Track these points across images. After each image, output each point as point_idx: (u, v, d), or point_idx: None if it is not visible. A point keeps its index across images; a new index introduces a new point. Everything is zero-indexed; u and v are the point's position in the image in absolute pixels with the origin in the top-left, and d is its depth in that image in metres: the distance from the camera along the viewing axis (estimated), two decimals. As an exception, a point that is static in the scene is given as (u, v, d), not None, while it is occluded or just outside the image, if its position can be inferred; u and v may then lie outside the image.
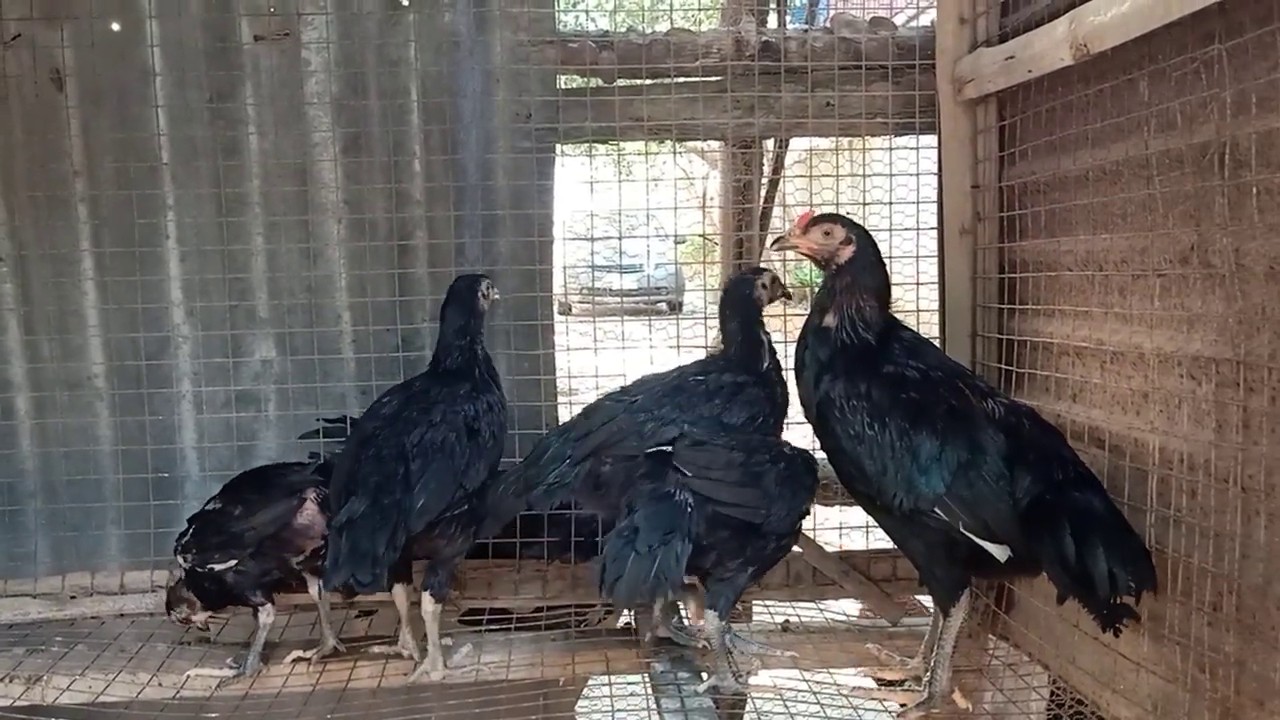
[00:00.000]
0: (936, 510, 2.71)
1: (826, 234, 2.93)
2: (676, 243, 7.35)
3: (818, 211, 3.05)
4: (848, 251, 2.91)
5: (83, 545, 3.82)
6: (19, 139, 3.77)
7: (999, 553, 2.72)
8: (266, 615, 3.35)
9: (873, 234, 3.03)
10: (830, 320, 2.90)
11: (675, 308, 12.94)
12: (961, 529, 2.69)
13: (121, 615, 3.78)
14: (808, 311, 3.03)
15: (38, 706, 3.20)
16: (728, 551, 3.00)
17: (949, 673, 2.93)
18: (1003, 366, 3.41)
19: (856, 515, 4.04)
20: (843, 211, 4.08)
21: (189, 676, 3.29)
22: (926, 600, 3.82)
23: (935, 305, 3.81)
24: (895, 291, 3.89)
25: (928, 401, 2.77)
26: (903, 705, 3.01)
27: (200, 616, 3.45)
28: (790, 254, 3.11)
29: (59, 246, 3.82)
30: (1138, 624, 2.59)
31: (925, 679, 2.99)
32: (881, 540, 3.97)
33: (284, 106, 3.85)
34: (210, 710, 3.16)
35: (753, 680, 3.24)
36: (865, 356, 2.86)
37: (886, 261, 3.03)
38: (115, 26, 3.78)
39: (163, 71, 3.77)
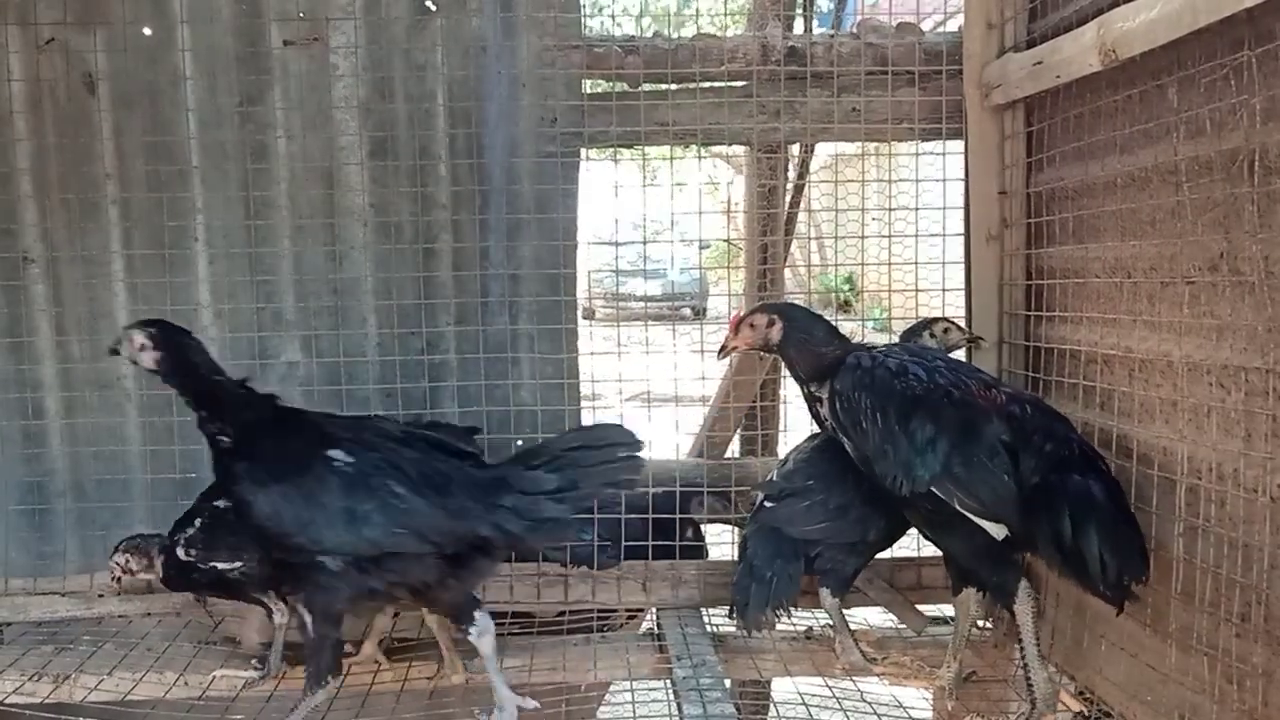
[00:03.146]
0: (934, 489, 2.83)
1: (752, 326, 3.20)
2: (700, 248, 7.35)
3: (742, 312, 3.34)
4: (776, 331, 3.17)
5: (111, 544, 3.84)
6: (52, 142, 3.82)
7: (996, 531, 2.84)
8: (280, 616, 3.36)
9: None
10: (821, 391, 3.09)
11: (699, 313, 12.94)
12: (958, 507, 2.81)
13: (148, 615, 3.80)
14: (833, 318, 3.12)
15: (65, 705, 3.24)
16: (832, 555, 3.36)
17: (1044, 672, 2.99)
18: (1029, 374, 3.39)
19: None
20: (870, 217, 4.10)
21: (215, 676, 3.31)
22: (950, 609, 3.81)
23: (961, 312, 3.79)
24: (922, 298, 3.92)
25: (928, 388, 2.91)
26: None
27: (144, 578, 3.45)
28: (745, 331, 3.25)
29: (90, 248, 3.86)
30: (1134, 604, 2.67)
31: (1027, 696, 3.03)
32: (905, 549, 3.97)
33: (312, 111, 3.88)
34: (235, 711, 3.18)
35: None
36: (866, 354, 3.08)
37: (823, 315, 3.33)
38: (147, 31, 3.82)
39: (194, 76, 3.81)
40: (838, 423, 3.03)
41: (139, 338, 3.05)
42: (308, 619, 2.92)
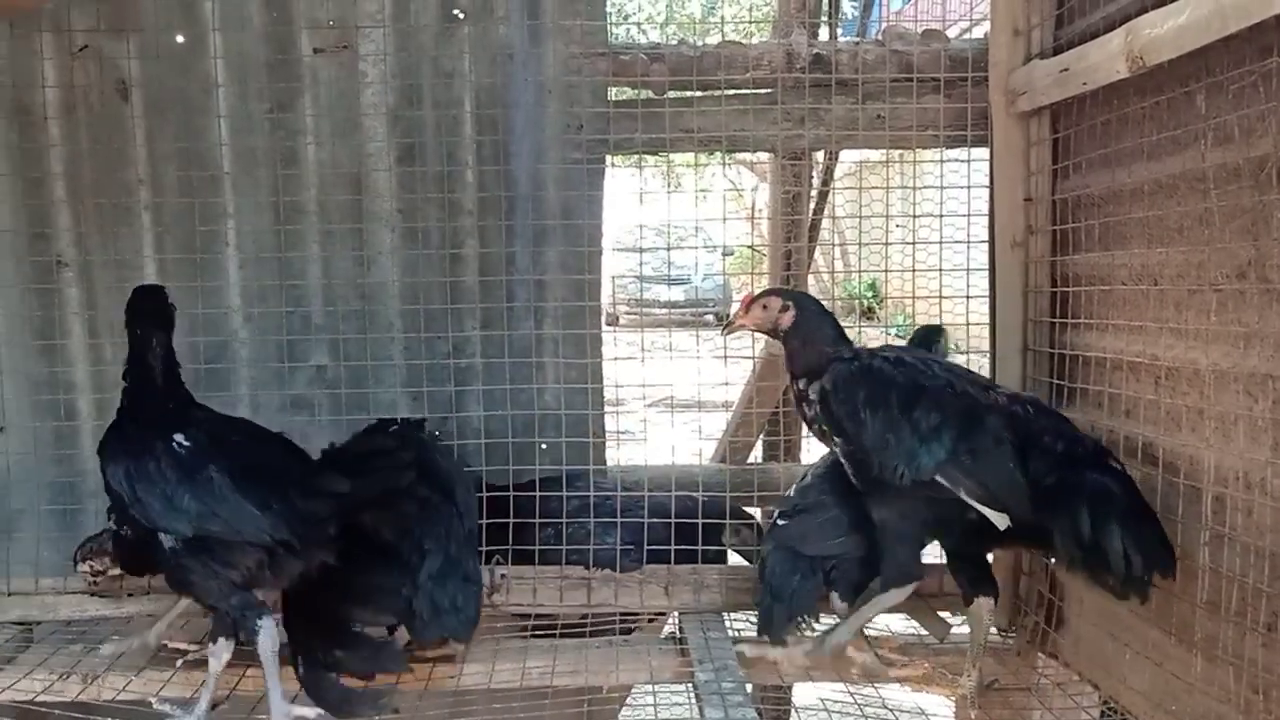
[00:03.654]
0: (939, 478, 2.85)
1: (765, 308, 3.18)
2: (724, 254, 7.37)
3: (755, 292, 3.28)
4: (788, 318, 3.15)
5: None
6: (85, 148, 3.88)
7: (999, 520, 2.85)
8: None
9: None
10: (811, 390, 3.09)
11: (722, 319, 12.95)
12: (964, 495, 2.83)
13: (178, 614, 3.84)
14: (856, 325, 3.10)
15: (93, 704, 3.27)
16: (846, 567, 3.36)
17: (850, 635, 3.21)
18: (1054, 381, 3.38)
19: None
20: (894, 224, 4.10)
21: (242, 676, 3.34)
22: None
23: (986, 319, 3.78)
24: (946, 305, 3.92)
25: (924, 379, 2.96)
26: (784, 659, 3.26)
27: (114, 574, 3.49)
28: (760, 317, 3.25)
29: (123, 253, 3.92)
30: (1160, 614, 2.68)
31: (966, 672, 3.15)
32: (927, 556, 3.96)
33: (341, 117, 3.93)
34: (261, 712, 3.21)
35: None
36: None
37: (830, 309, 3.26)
38: (180, 39, 3.88)
39: (225, 83, 3.87)
40: (830, 418, 3.03)
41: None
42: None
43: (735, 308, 3.32)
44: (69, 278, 3.93)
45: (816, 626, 3.35)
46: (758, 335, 4.14)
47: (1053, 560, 3.21)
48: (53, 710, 3.14)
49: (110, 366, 3.89)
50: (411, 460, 3.04)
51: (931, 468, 2.86)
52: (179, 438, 3.00)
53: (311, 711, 3.02)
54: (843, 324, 3.35)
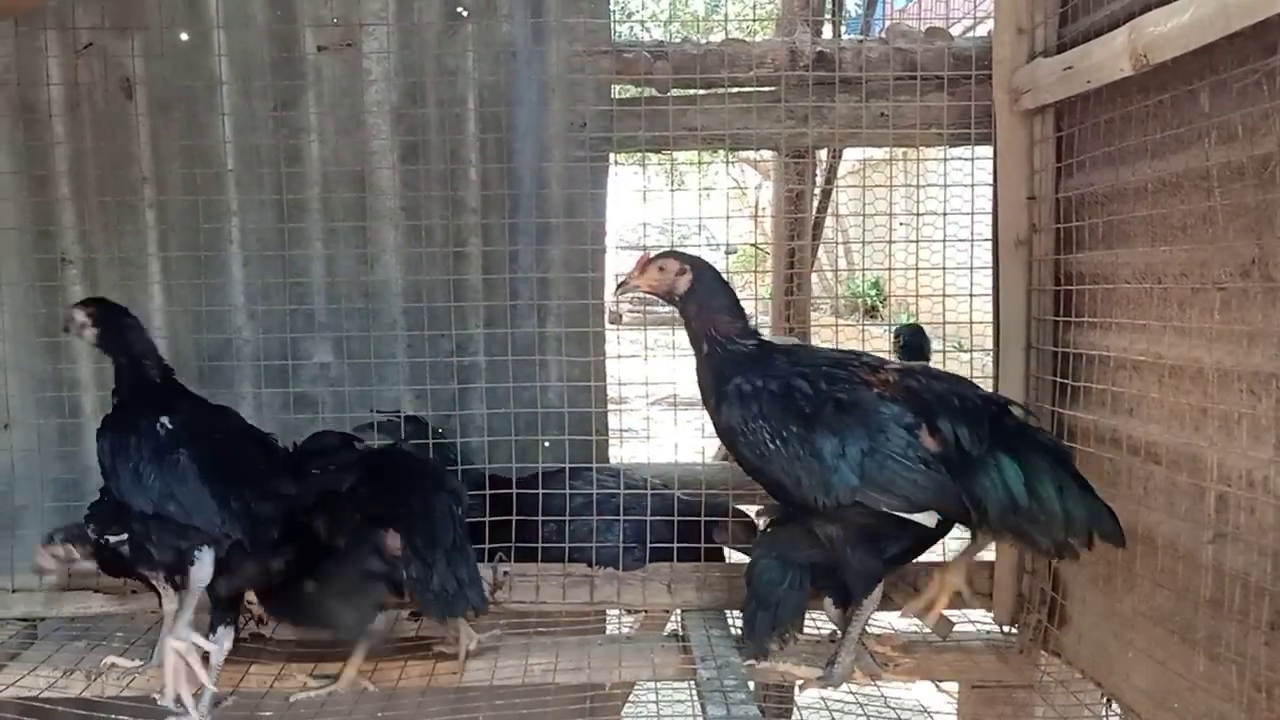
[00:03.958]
0: (858, 500, 2.84)
1: (661, 269, 3.05)
2: (728, 253, 7.36)
3: (652, 253, 3.13)
4: (684, 281, 3.04)
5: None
6: (89, 145, 3.89)
7: (927, 520, 2.86)
8: (169, 602, 3.33)
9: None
10: (705, 346, 3.03)
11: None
12: (885, 509, 2.83)
13: (180, 610, 3.85)
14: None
15: (96, 701, 3.27)
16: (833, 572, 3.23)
17: (852, 656, 3.14)
18: (1058, 379, 3.38)
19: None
20: (897, 222, 4.10)
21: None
22: (976, 614, 3.80)
23: (989, 317, 3.78)
24: (949, 303, 3.92)
25: (817, 403, 2.89)
26: (802, 681, 3.20)
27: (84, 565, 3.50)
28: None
29: (127, 250, 3.93)
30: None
31: (829, 658, 3.16)
32: (931, 554, 3.96)
33: (345, 115, 3.93)
34: (264, 709, 3.22)
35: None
36: (752, 366, 2.98)
37: (728, 281, 3.16)
38: (184, 36, 3.88)
39: (229, 80, 3.87)
40: (740, 453, 2.98)
41: (80, 315, 3.25)
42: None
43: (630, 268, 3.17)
44: (73, 275, 3.95)
45: (799, 637, 3.30)
46: (762, 333, 4.15)
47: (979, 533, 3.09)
48: (56, 707, 3.15)
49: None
50: (354, 461, 3.09)
51: (849, 493, 2.84)
52: (164, 419, 3.07)
53: (211, 645, 3.07)
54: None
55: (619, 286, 3.16)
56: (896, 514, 2.86)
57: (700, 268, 3.07)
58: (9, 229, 3.88)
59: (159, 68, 3.86)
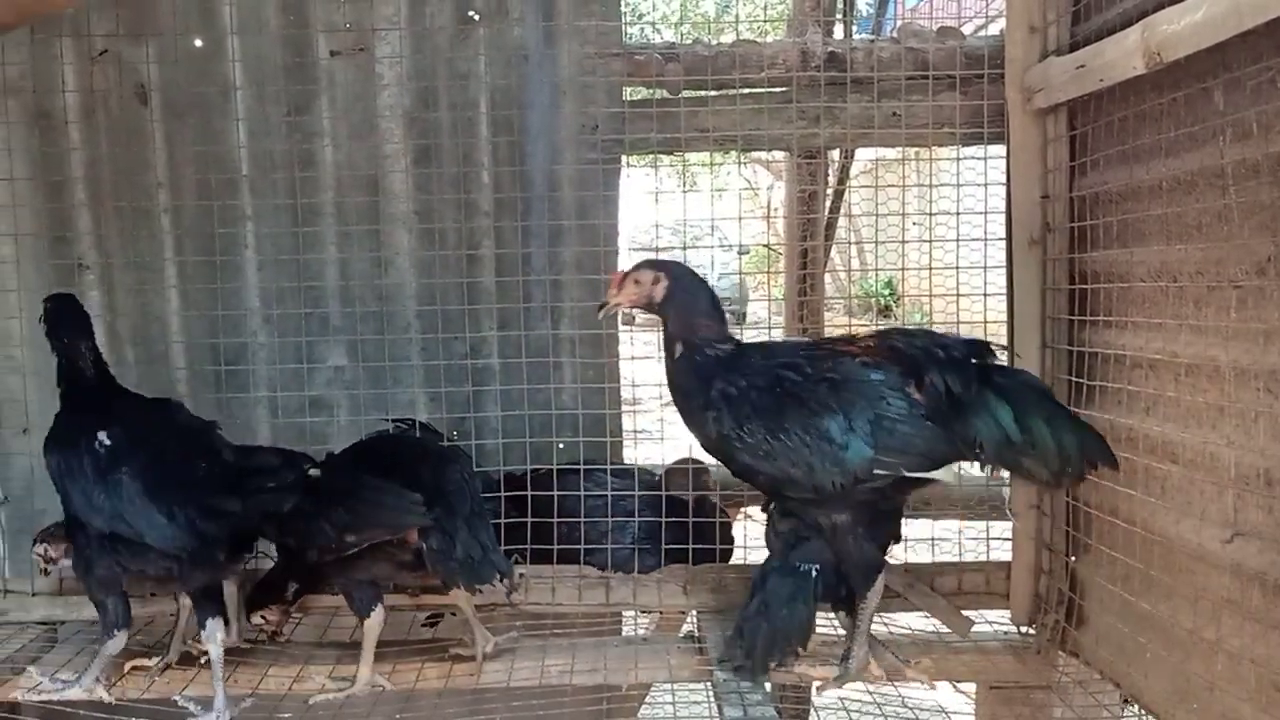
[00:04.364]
0: (876, 471, 2.83)
1: (637, 283, 3.02)
2: (740, 253, 7.35)
3: (626, 269, 3.12)
4: (661, 289, 3.01)
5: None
6: (105, 152, 3.93)
7: (945, 475, 2.89)
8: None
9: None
10: (679, 349, 3.00)
11: (739, 318, 12.92)
12: (905, 472, 2.84)
13: (198, 613, 3.87)
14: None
15: (117, 704, 3.29)
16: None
17: (864, 649, 3.14)
18: (1073, 379, 3.37)
19: (920, 528, 4.02)
20: (910, 222, 4.09)
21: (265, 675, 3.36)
22: (994, 615, 3.79)
23: (1004, 317, 3.77)
24: (963, 303, 3.91)
25: (810, 387, 2.88)
26: (820, 681, 3.18)
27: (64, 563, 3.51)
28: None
29: (143, 255, 3.96)
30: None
31: (842, 654, 3.16)
32: (947, 554, 3.96)
33: (358, 119, 3.96)
34: (283, 710, 3.23)
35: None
36: (732, 368, 2.95)
37: (708, 281, 3.13)
38: (198, 43, 3.91)
39: (243, 86, 3.90)
40: (739, 459, 2.94)
41: (41, 309, 3.32)
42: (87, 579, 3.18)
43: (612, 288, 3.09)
44: (90, 280, 3.98)
45: (800, 651, 3.20)
46: (776, 333, 4.15)
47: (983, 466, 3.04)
48: (78, 710, 3.16)
49: (132, 368, 3.94)
50: (294, 482, 3.04)
51: (867, 465, 2.83)
52: (102, 435, 3.08)
53: (109, 697, 3.19)
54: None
55: (600, 308, 3.12)
56: (912, 475, 2.86)
57: (676, 273, 3.06)
58: (26, 235, 3.91)
59: (173, 74, 3.89)
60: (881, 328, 3.17)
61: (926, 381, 2.84)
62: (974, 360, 2.88)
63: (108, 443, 3.07)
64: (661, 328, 3.08)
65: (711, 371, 2.96)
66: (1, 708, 3.21)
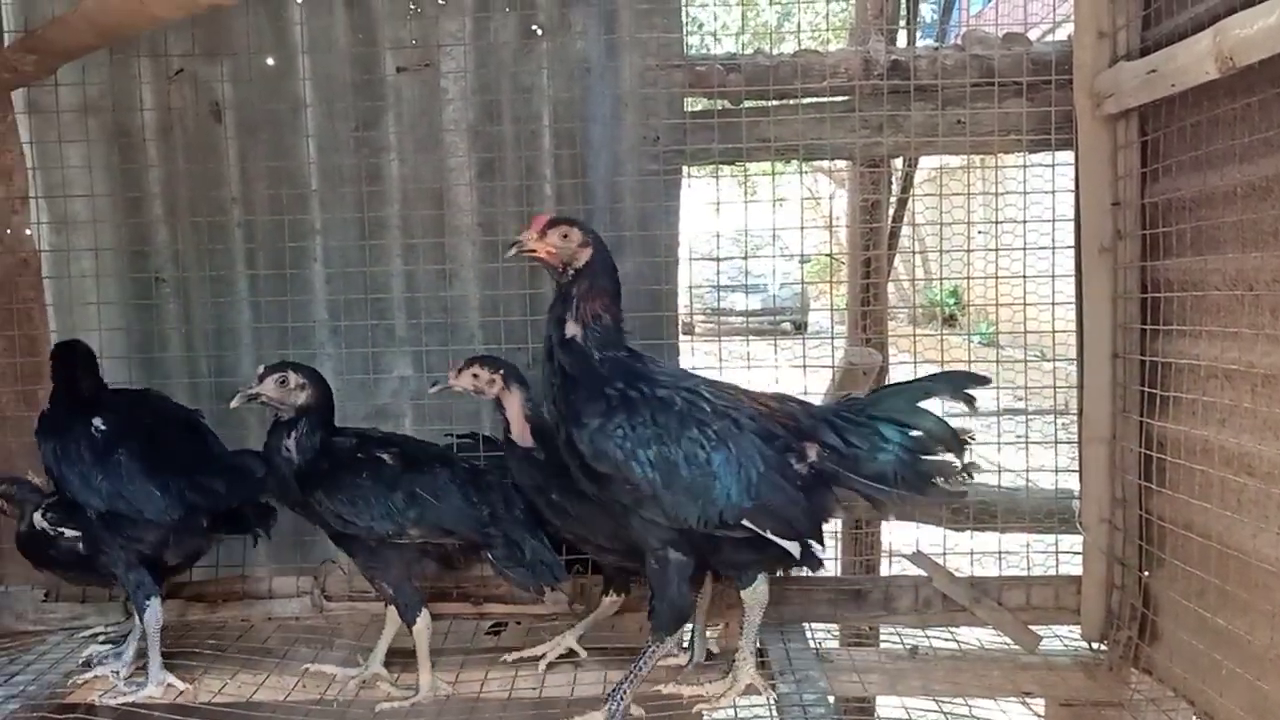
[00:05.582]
0: (745, 522, 2.81)
1: (564, 236, 2.84)
2: (801, 262, 7.31)
3: (551, 215, 2.96)
4: (585, 254, 2.86)
5: (233, 551, 4.01)
6: (181, 168, 4.03)
7: (794, 548, 2.90)
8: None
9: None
10: (574, 330, 2.85)
11: (800, 328, 12.86)
12: (770, 535, 2.84)
13: (269, 619, 3.96)
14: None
15: (190, 706, 3.36)
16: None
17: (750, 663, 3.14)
18: (1145, 389, 3.30)
19: (987, 541, 3.96)
20: (975, 230, 4.04)
21: (335, 677, 3.42)
22: (1064, 630, 3.73)
23: (1072, 326, 3.71)
24: (1030, 311, 3.85)
25: (713, 418, 2.84)
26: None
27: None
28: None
29: (217, 268, 4.05)
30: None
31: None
32: (1015, 568, 3.90)
33: (423, 134, 4.02)
34: (350, 718, 3.28)
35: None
36: (632, 371, 2.87)
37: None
38: (270, 62, 4.01)
39: (313, 103, 3.98)
40: (596, 474, 2.85)
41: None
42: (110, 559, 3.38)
43: (529, 232, 2.91)
44: (166, 294, 4.08)
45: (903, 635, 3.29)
46: (838, 344, 4.12)
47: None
48: (152, 712, 3.24)
49: (205, 379, 4.04)
50: (265, 478, 3.33)
51: (737, 515, 2.81)
52: (96, 421, 3.31)
53: (181, 684, 3.35)
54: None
55: (512, 246, 2.89)
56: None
57: (601, 245, 2.90)
58: (106, 249, 4.03)
59: (246, 92, 3.99)
60: (779, 392, 3.17)
61: (827, 443, 2.89)
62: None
63: (103, 428, 3.30)
64: (556, 299, 2.91)
65: (612, 367, 2.85)
66: (78, 710, 3.29)
